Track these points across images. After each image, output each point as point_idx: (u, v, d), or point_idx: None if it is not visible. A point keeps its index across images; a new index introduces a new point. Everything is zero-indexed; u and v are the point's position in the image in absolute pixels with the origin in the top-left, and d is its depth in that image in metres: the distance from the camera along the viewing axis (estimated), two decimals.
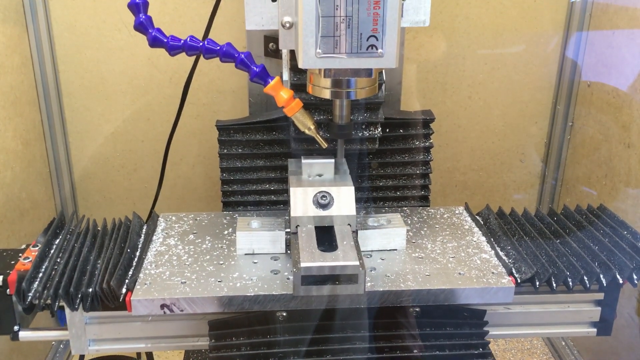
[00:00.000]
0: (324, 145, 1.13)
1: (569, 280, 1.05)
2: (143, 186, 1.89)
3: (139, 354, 1.59)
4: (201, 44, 1.02)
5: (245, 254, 1.11)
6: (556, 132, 1.90)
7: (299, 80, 1.20)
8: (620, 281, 1.07)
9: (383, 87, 1.22)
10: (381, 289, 1.01)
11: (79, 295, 1.00)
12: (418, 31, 1.75)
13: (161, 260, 1.09)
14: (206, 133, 1.82)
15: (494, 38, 1.79)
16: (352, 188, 1.10)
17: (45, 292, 1.00)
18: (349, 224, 1.08)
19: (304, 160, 1.15)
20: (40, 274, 1.05)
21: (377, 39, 0.91)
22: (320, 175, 1.15)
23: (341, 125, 1.10)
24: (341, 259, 0.96)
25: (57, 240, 1.15)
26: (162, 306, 0.99)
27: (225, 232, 1.19)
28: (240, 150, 1.29)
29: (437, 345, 1.09)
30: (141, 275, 1.04)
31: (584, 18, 1.75)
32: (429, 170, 1.33)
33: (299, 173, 1.16)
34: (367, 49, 0.92)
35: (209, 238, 1.17)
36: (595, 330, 1.16)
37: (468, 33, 1.77)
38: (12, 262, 1.07)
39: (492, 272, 1.06)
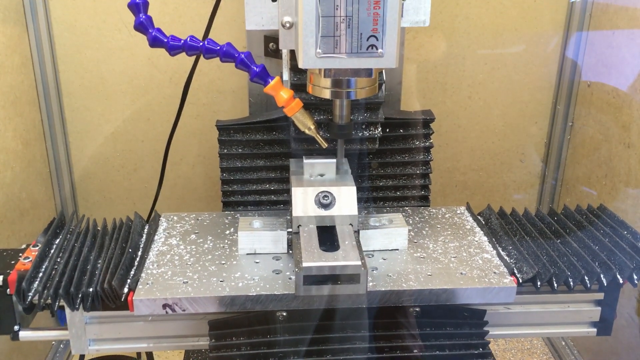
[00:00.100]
0: (324, 145, 1.13)
1: (570, 280, 1.06)
2: (143, 186, 1.89)
3: (139, 354, 1.59)
4: (201, 44, 1.02)
5: (247, 254, 1.11)
6: (556, 132, 1.90)
7: (299, 80, 1.20)
8: (621, 281, 1.07)
9: (383, 87, 1.22)
10: (383, 289, 1.01)
11: (80, 295, 1.00)
12: (418, 31, 1.75)
13: (163, 260, 1.09)
14: (206, 133, 1.82)
15: (494, 38, 1.79)
16: (354, 188, 1.10)
17: (46, 291, 1.00)
18: (350, 224, 1.08)
19: (305, 160, 1.15)
20: (41, 274, 1.05)
21: (377, 39, 0.91)
22: (321, 175, 1.15)
23: (341, 125, 1.10)
24: (343, 258, 0.96)
25: (57, 240, 1.15)
26: (164, 306, 0.99)
27: (227, 232, 1.19)
28: (240, 150, 1.29)
29: (437, 345, 1.09)
30: (143, 275, 1.04)
31: (584, 18, 1.75)
32: (429, 170, 1.33)
33: (300, 173, 1.16)
34: (367, 49, 0.92)
35: (210, 238, 1.17)
36: (595, 330, 1.16)
37: (468, 33, 1.78)
38: (12, 262, 1.07)
39: (494, 272, 1.06)
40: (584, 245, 1.14)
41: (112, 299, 1.00)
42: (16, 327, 1.06)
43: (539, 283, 1.05)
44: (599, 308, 1.14)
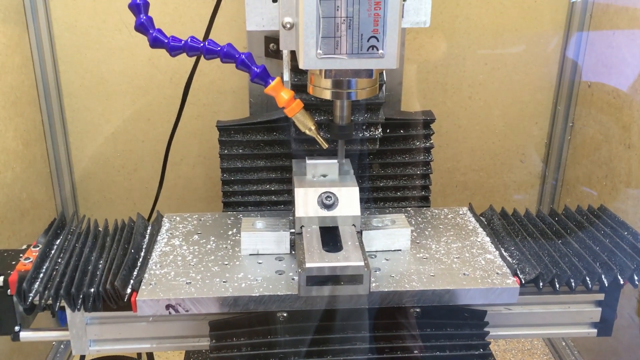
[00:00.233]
0: (325, 145, 1.13)
1: (572, 281, 1.06)
2: (143, 186, 1.89)
3: (139, 354, 1.59)
4: (202, 44, 1.02)
5: (250, 255, 1.11)
6: (556, 132, 1.90)
7: (300, 81, 1.20)
8: (621, 282, 1.07)
9: (383, 87, 1.22)
10: (386, 290, 1.01)
11: (81, 296, 1.00)
12: (418, 32, 1.75)
13: (166, 261, 1.09)
14: (207, 133, 1.82)
15: (495, 38, 1.79)
16: (357, 189, 1.10)
17: (46, 292, 1.00)
18: (353, 225, 1.08)
19: (308, 161, 1.15)
20: (41, 275, 1.05)
21: (377, 40, 0.91)
22: (324, 176, 1.15)
23: (342, 126, 1.10)
24: (346, 259, 0.97)
25: (58, 241, 1.15)
26: (168, 306, 0.99)
27: (230, 233, 1.19)
28: (240, 150, 1.29)
29: (438, 345, 1.09)
30: (146, 275, 1.04)
31: (584, 18, 1.75)
32: (430, 171, 1.33)
33: (303, 174, 1.16)
34: (367, 50, 0.92)
35: (213, 238, 1.17)
36: (595, 330, 1.16)
37: (468, 33, 1.77)
38: (13, 263, 1.07)
39: (497, 273, 1.06)
40: (585, 245, 1.14)
41: (114, 300, 1.00)
42: (17, 328, 1.06)
43: (541, 284, 1.05)
44: (600, 309, 1.14)
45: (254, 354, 1.07)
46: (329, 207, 1.09)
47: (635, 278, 1.07)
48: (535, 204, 2.02)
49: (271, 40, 1.30)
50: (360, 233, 1.08)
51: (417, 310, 1.07)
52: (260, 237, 1.11)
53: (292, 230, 1.10)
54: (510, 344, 2.01)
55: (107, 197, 1.90)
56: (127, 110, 1.79)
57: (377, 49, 0.91)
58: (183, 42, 1.02)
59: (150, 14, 1.02)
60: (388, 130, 1.28)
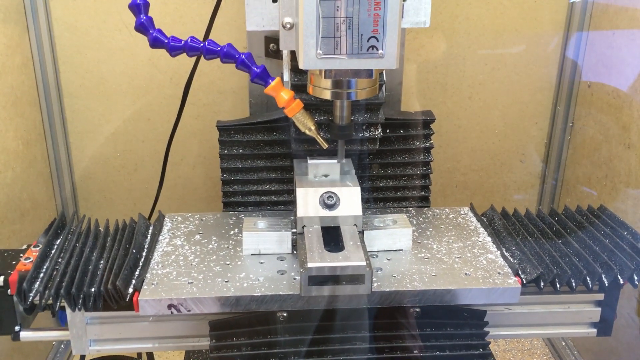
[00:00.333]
0: (325, 145, 1.13)
1: (572, 280, 1.06)
2: (143, 186, 1.89)
3: (139, 354, 1.59)
4: (202, 44, 1.02)
5: (252, 254, 1.11)
6: (556, 132, 1.90)
7: (300, 81, 1.20)
8: (621, 282, 1.07)
9: (383, 87, 1.22)
10: (388, 289, 1.01)
11: (81, 296, 1.00)
12: (418, 32, 1.75)
13: (168, 261, 1.09)
14: (207, 133, 1.82)
15: (494, 38, 1.79)
16: (358, 189, 1.11)
17: (47, 292, 1.00)
18: (355, 225, 1.08)
19: (310, 161, 1.15)
20: (42, 274, 1.05)
21: (377, 40, 0.91)
22: (326, 176, 1.16)
23: (342, 126, 1.10)
24: (348, 259, 0.97)
25: (58, 241, 1.15)
26: (170, 306, 0.99)
27: (232, 233, 1.19)
28: (240, 150, 1.29)
29: (438, 345, 1.09)
30: (148, 275, 1.04)
31: (584, 18, 1.75)
32: (430, 171, 1.33)
33: (305, 174, 1.16)
34: (367, 50, 0.92)
35: (215, 238, 1.17)
36: (595, 330, 1.17)
37: (468, 33, 1.78)
38: (13, 263, 1.07)
39: (499, 273, 1.06)
40: (585, 245, 1.14)
41: (115, 300, 1.00)
42: (17, 328, 1.06)
43: (542, 284, 1.05)
44: (599, 309, 1.15)
45: (254, 354, 1.07)
46: (330, 207, 1.09)
47: (635, 278, 1.07)
48: (535, 204, 2.03)
49: (271, 41, 1.30)
50: (361, 233, 1.09)
51: (417, 310, 1.07)
52: (262, 237, 1.11)
53: (294, 230, 1.11)
54: (510, 344, 2.01)
55: (107, 197, 1.90)
56: (127, 111, 1.79)
57: (377, 49, 0.91)
58: (183, 42, 1.02)
59: (150, 14, 1.02)
60: (388, 130, 1.29)
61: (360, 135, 1.24)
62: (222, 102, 1.80)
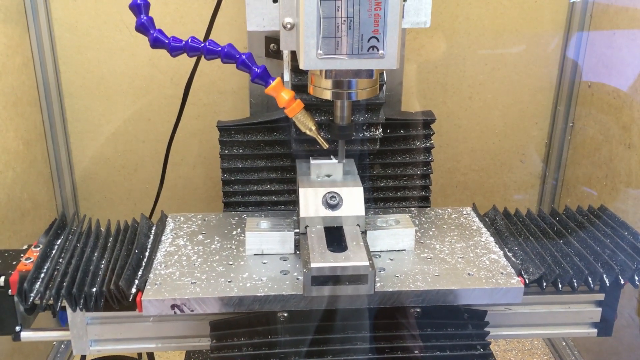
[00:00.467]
0: (325, 146, 1.13)
1: (574, 281, 1.06)
2: (144, 186, 1.89)
3: (140, 354, 1.60)
4: (202, 45, 1.02)
5: (254, 255, 1.11)
6: (557, 132, 1.90)
7: (300, 81, 1.20)
8: (622, 282, 1.07)
9: (384, 87, 1.22)
10: (391, 290, 1.01)
11: (82, 296, 1.00)
12: (419, 32, 1.75)
13: (171, 261, 1.09)
14: (207, 133, 1.82)
15: (495, 38, 1.79)
16: (361, 189, 1.11)
17: (47, 292, 1.01)
18: (357, 225, 1.08)
19: (312, 161, 1.15)
20: (42, 275, 1.05)
21: (378, 40, 0.91)
22: (328, 176, 1.16)
23: (342, 126, 1.10)
24: (351, 259, 0.97)
25: (59, 241, 1.15)
26: (173, 306, 0.99)
27: (234, 233, 1.19)
28: (241, 150, 1.29)
29: (438, 345, 1.09)
30: (151, 275, 1.04)
31: (584, 18, 1.75)
32: (430, 171, 1.33)
33: (307, 174, 1.16)
34: (368, 50, 0.92)
35: (217, 238, 1.17)
36: (595, 330, 1.17)
37: (468, 34, 1.78)
38: (14, 263, 1.07)
39: (501, 273, 1.06)
40: (586, 245, 1.14)
41: (118, 300, 1.00)
42: (18, 328, 1.06)
43: (544, 284, 1.05)
44: (600, 309, 1.15)
45: (255, 354, 1.07)
46: (333, 207, 1.09)
47: (636, 278, 1.07)
48: (535, 204, 2.03)
49: (272, 41, 1.31)
50: (364, 233, 1.09)
51: (418, 310, 1.07)
52: (265, 237, 1.11)
53: (297, 230, 1.11)
54: (510, 344, 2.01)
55: (108, 197, 1.90)
56: (127, 111, 1.79)
57: (378, 50, 0.91)
58: (184, 42, 1.02)
59: (150, 14, 1.02)
60: (388, 131, 1.29)
61: (361, 135, 1.24)
62: (222, 102, 1.80)
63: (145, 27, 1.01)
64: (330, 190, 1.10)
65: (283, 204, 1.32)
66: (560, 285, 1.06)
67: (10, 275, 1.03)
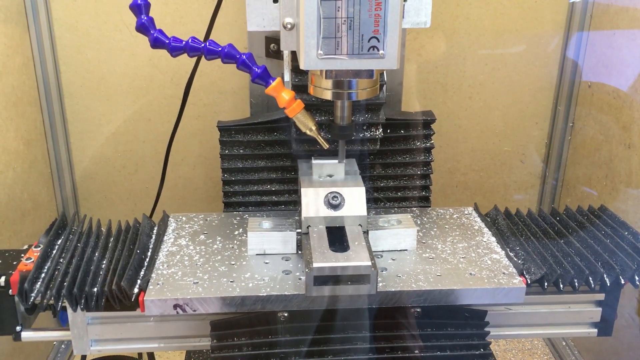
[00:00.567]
0: (326, 146, 1.13)
1: (575, 281, 1.06)
2: (144, 187, 1.89)
3: (140, 354, 1.60)
4: (203, 45, 1.02)
5: (257, 255, 1.11)
6: (557, 132, 1.90)
7: (300, 81, 1.20)
8: (622, 282, 1.07)
9: (384, 88, 1.22)
10: (393, 289, 1.01)
11: (83, 296, 1.00)
12: (419, 32, 1.75)
13: (173, 261, 1.09)
14: (207, 134, 1.82)
15: (495, 39, 1.79)
16: (363, 189, 1.11)
17: (48, 292, 1.01)
18: (359, 225, 1.08)
19: (314, 161, 1.16)
20: (43, 275, 1.05)
21: (378, 40, 0.91)
22: (330, 176, 1.16)
23: (342, 126, 1.10)
24: (353, 259, 0.97)
25: (60, 241, 1.15)
26: (175, 306, 0.99)
27: (236, 233, 1.20)
28: (241, 151, 1.29)
29: (438, 345, 1.09)
30: (153, 275, 1.04)
31: (584, 18, 1.76)
32: (430, 171, 1.33)
33: (309, 174, 1.16)
34: (368, 50, 0.92)
35: (219, 238, 1.17)
36: (596, 330, 1.17)
37: (469, 34, 1.78)
38: (14, 263, 1.07)
39: (503, 273, 1.06)
40: (586, 245, 1.14)
41: (120, 300, 1.00)
42: (18, 328, 1.07)
43: (545, 284, 1.05)
44: (600, 308, 1.15)
45: (255, 354, 1.07)
46: (335, 207, 1.09)
47: (636, 278, 1.07)
48: (535, 204, 2.03)
49: (272, 41, 1.31)
50: (366, 233, 1.09)
51: (418, 310, 1.07)
52: (267, 237, 1.11)
53: (299, 230, 1.11)
54: (510, 344, 2.01)
55: (108, 198, 1.90)
56: (127, 111, 1.79)
57: (378, 50, 0.92)
58: (184, 42, 1.02)
59: (151, 14, 1.02)
60: (389, 131, 1.29)
61: (361, 135, 1.24)
62: (222, 102, 1.80)
63: (145, 27, 1.02)
64: (332, 190, 1.10)
65: (283, 204, 1.32)
66: (561, 285, 1.06)
67: (11, 275, 1.03)
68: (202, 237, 1.18)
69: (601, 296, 1.13)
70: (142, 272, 1.06)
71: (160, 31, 1.02)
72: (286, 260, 1.10)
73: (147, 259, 1.10)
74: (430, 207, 1.34)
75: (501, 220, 1.24)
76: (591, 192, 1.79)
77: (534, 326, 1.16)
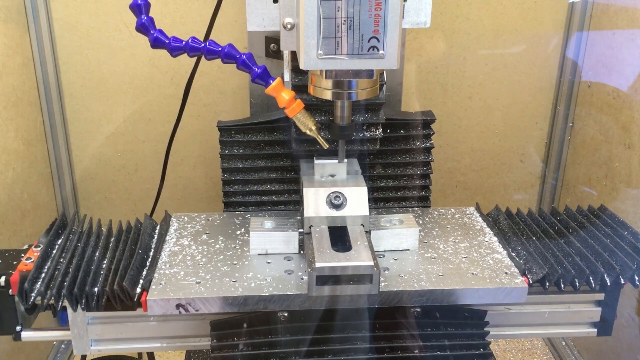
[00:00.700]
0: (325, 146, 1.13)
1: (576, 280, 1.06)
2: (144, 186, 1.89)
3: (140, 354, 1.60)
4: (203, 45, 1.02)
5: (259, 254, 1.11)
6: (556, 132, 1.90)
7: (300, 81, 1.20)
8: (622, 282, 1.07)
9: (384, 88, 1.22)
10: (395, 289, 1.01)
11: (84, 296, 1.00)
12: (419, 32, 1.75)
13: (175, 260, 1.09)
14: (207, 133, 1.82)
15: (495, 39, 1.79)
16: (365, 189, 1.11)
17: (48, 292, 1.01)
18: (362, 224, 1.08)
19: (316, 161, 1.16)
20: (43, 274, 1.05)
21: (378, 40, 0.91)
22: (332, 176, 1.16)
23: (342, 126, 1.10)
24: (355, 259, 0.97)
25: (60, 241, 1.15)
26: (178, 306, 0.99)
27: (238, 232, 1.20)
28: (241, 150, 1.29)
29: (438, 345, 1.09)
30: (156, 275, 1.04)
31: (584, 18, 1.76)
32: (430, 171, 1.33)
33: (311, 174, 1.16)
34: (368, 50, 0.92)
35: (222, 238, 1.17)
36: (595, 330, 1.17)
37: (468, 34, 1.78)
38: (15, 263, 1.07)
39: (505, 273, 1.06)
40: (586, 245, 1.15)
41: (121, 300, 1.00)
42: (18, 328, 1.07)
43: (547, 284, 1.05)
44: (599, 308, 1.15)
45: (255, 354, 1.07)
46: (337, 207, 1.09)
47: (636, 278, 1.07)
48: (535, 204, 2.03)
49: (272, 41, 1.31)
50: (368, 233, 1.09)
51: (418, 310, 1.07)
52: (269, 237, 1.11)
53: (301, 230, 1.11)
54: (510, 344, 2.01)
55: (108, 197, 1.90)
56: (127, 111, 1.80)
57: (378, 50, 0.92)
58: (184, 42, 1.02)
59: (151, 14, 1.02)
60: (388, 131, 1.29)
61: (361, 135, 1.24)
62: (222, 102, 1.80)
63: (145, 27, 1.02)
64: (334, 190, 1.10)
65: (283, 203, 1.32)
66: (562, 285, 1.06)
67: (11, 275, 1.03)
68: (204, 237, 1.18)
69: (601, 296, 1.14)
70: (144, 272, 1.06)
71: (160, 31, 1.02)
72: (288, 260, 1.10)
73: (150, 259, 1.10)
74: (430, 207, 1.34)
75: (502, 220, 1.24)
76: (591, 192, 1.79)
77: (533, 326, 1.16)
